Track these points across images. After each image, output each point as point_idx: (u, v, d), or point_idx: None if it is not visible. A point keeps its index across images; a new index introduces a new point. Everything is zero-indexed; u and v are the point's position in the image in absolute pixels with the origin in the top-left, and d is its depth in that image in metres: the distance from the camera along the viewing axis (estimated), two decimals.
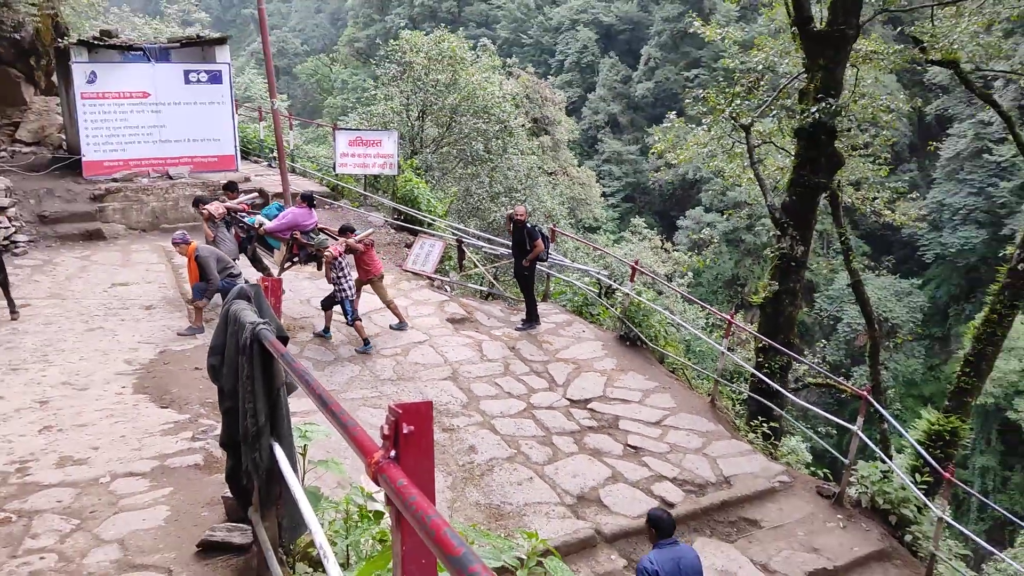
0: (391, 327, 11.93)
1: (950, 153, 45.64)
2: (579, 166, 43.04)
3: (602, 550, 7.42)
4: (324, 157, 23.44)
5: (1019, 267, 14.60)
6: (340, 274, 10.94)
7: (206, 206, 11.91)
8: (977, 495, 9.89)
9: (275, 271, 12.48)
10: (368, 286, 11.80)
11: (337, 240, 11.49)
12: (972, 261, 43.82)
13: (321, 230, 12.21)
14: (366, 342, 11.15)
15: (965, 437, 15.45)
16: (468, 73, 23.39)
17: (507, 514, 7.68)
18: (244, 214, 12.51)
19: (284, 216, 12.07)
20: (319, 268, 12.40)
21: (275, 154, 18.64)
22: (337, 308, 11.32)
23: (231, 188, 13.17)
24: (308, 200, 12.18)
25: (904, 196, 18.86)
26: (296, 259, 12.19)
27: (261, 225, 12.12)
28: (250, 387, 4.14)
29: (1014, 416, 36.14)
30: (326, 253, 11.13)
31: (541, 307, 13.60)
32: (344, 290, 10.96)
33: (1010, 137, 16.67)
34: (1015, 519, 9.26)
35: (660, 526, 5.78)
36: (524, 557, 4.09)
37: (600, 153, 61.62)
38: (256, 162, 21.95)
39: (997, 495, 36.83)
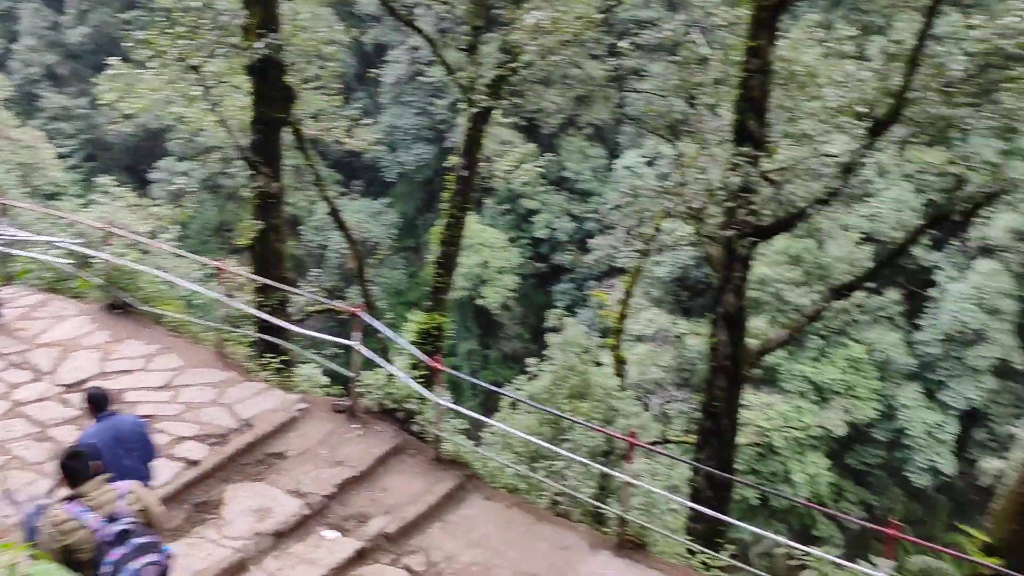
0: None
1: (392, 79, 49.97)
2: (22, 127, 38.09)
3: None
4: None
5: (463, 174, 16.93)
6: None
7: None
8: (466, 376, 11.51)
9: None
10: None
11: None
12: (428, 175, 49.16)
13: None
14: None
15: (448, 329, 17.71)
16: None
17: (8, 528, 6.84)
18: None
19: None
20: None
21: None
22: None
23: None
24: None
25: (359, 123, 20.08)
26: None
27: None
28: None
29: (482, 302, 42.60)
30: None
31: (5, 292, 11.97)
32: None
33: (438, 59, 18.74)
34: (497, 390, 11.05)
35: (96, 402, 6.22)
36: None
37: (44, 110, 54.61)
38: None
39: (483, 372, 43.11)
